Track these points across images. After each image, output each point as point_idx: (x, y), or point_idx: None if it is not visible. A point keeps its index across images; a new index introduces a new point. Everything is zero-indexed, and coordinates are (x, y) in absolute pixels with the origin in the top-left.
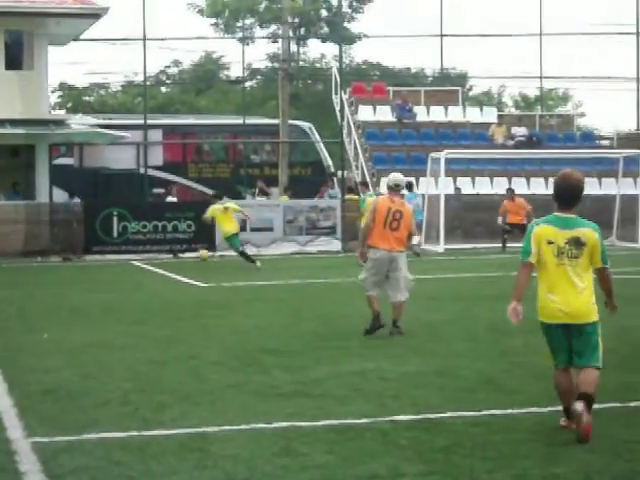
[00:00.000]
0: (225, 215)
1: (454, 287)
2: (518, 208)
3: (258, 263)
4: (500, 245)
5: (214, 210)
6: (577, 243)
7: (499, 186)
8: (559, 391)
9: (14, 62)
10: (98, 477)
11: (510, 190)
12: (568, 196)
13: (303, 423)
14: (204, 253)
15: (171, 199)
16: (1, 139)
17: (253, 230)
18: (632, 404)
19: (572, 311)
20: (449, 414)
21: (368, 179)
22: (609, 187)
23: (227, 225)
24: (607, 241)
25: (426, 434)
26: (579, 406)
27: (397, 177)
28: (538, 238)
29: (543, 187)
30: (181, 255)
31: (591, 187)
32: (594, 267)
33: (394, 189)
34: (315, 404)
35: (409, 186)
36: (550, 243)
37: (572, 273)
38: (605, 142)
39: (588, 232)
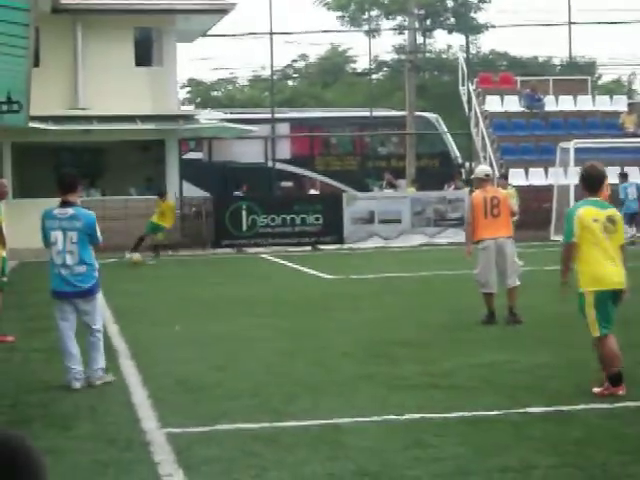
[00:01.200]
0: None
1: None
2: None
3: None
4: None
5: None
6: (612, 221)
7: (632, 175)
8: (609, 357)
9: (144, 59)
10: (231, 467)
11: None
12: (597, 183)
13: (434, 415)
14: (137, 257)
15: (313, 192)
16: (132, 135)
17: (381, 222)
18: None
19: (620, 278)
20: (582, 406)
21: (496, 170)
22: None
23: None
24: None
25: (558, 426)
26: None
27: (484, 168)
28: (582, 219)
29: None
30: (320, 247)
31: None
32: (618, 244)
33: (484, 179)
34: (446, 396)
35: (624, 176)
36: (595, 221)
37: (612, 246)
38: None
39: (616, 212)
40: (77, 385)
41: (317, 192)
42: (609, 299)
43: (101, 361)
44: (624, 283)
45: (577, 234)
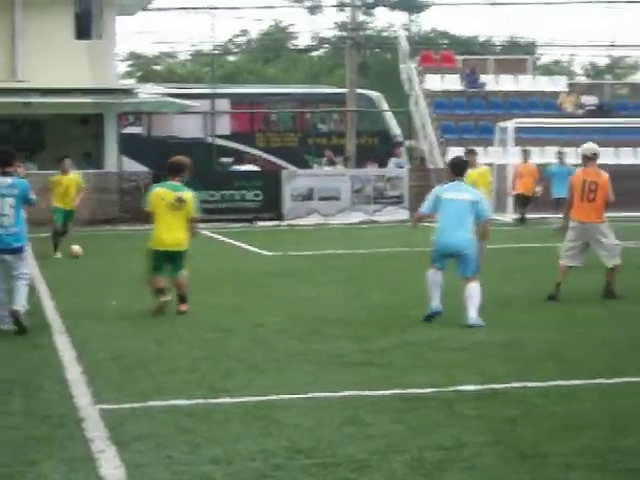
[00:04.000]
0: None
1: (524, 259)
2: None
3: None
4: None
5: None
6: None
7: (568, 156)
8: None
9: (83, 31)
10: (164, 444)
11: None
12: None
13: (369, 392)
14: (75, 249)
15: (249, 168)
16: (71, 108)
17: (320, 199)
18: None
19: None
20: (515, 385)
21: (436, 149)
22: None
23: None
24: None
25: (492, 405)
26: None
27: (592, 146)
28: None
29: (612, 156)
30: (257, 223)
31: None
32: None
33: (591, 158)
34: (381, 373)
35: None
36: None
37: None
38: None
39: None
40: (4, 327)
41: (254, 168)
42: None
43: (23, 301)
44: None
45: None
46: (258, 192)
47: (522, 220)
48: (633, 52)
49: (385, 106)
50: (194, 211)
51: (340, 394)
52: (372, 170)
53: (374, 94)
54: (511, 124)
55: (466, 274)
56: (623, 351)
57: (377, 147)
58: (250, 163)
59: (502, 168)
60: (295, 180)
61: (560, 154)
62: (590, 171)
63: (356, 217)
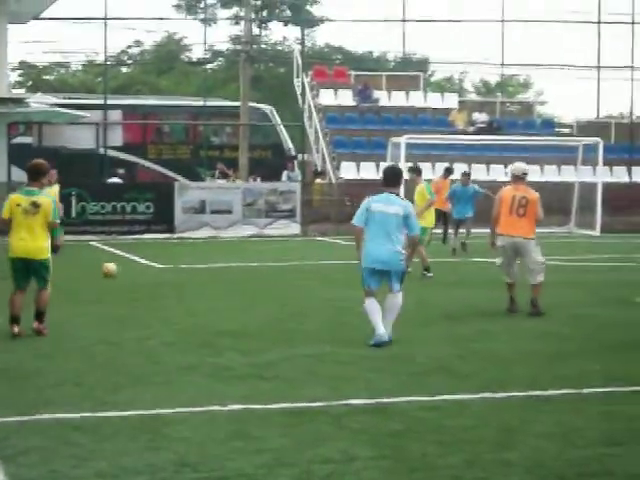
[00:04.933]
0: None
1: (411, 273)
2: None
3: None
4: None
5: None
6: None
7: (459, 172)
8: None
9: None
10: (49, 457)
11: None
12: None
13: (257, 406)
14: (111, 267)
15: (115, 180)
16: None
17: (212, 212)
18: (585, 391)
19: None
20: (403, 399)
21: (328, 163)
22: (568, 175)
23: None
24: (565, 228)
25: (379, 418)
26: None
27: (522, 166)
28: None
29: (502, 173)
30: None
31: (550, 174)
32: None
33: (520, 177)
34: (269, 387)
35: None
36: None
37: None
38: (565, 130)
39: None
40: None
41: (118, 181)
42: None
43: None
44: None
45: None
46: (149, 204)
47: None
48: (523, 71)
49: (278, 120)
50: (51, 216)
51: (228, 408)
52: (265, 184)
53: (267, 108)
54: (403, 140)
55: (393, 289)
56: (511, 365)
57: (270, 160)
58: (115, 176)
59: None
60: (187, 192)
61: (465, 175)
62: (521, 187)
63: (248, 230)
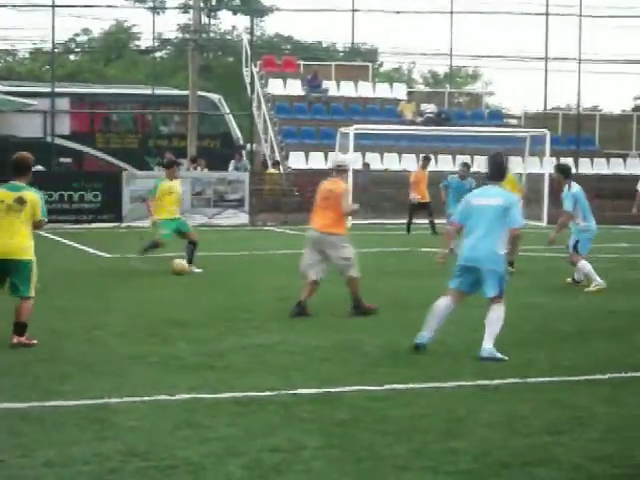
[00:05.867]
0: None
1: (360, 262)
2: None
3: None
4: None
5: None
6: None
7: (407, 162)
8: None
9: None
10: None
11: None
12: None
13: (206, 395)
14: (181, 265)
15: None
16: None
17: None
18: (530, 380)
19: None
20: (352, 388)
21: (277, 153)
22: (516, 166)
23: None
24: None
25: (328, 408)
26: None
27: (340, 158)
28: None
29: (451, 164)
30: (87, 226)
31: None
32: None
33: (339, 171)
34: (218, 376)
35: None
36: None
37: None
38: (513, 121)
39: None
40: None
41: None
42: None
43: None
44: None
45: None
46: (97, 193)
47: (433, 226)
48: (472, 62)
49: (227, 109)
50: (40, 214)
51: (178, 397)
52: (213, 173)
53: (216, 97)
54: (351, 130)
55: (487, 293)
56: (460, 355)
57: (219, 150)
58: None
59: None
60: (135, 182)
61: (464, 166)
62: (333, 180)
63: (196, 220)
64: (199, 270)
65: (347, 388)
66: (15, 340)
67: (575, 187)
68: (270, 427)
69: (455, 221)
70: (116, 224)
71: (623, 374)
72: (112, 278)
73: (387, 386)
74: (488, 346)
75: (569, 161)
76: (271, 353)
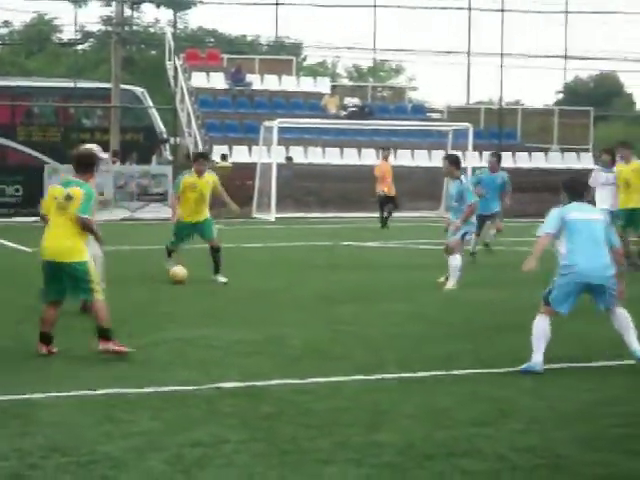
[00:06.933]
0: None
1: (285, 255)
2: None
3: None
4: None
5: None
6: None
7: (331, 156)
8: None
9: None
10: None
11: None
12: None
13: (127, 390)
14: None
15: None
16: None
17: None
18: (455, 372)
19: None
20: (275, 382)
21: (200, 146)
22: (439, 160)
23: None
24: (434, 213)
25: (251, 401)
26: None
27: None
28: None
29: (374, 158)
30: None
31: (421, 159)
32: None
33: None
34: (140, 371)
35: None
36: None
37: None
38: (436, 115)
39: None
40: None
41: None
42: None
43: None
44: None
45: None
46: (18, 187)
47: (386, 220)
48: (395, 56)
49: (150, 102)
50: (79, 210)
51: (98, 392)
52: (136, 167)
53: (139, 90)
54: (275, 124)
55: (609, 305)
56: (384, 348)
57: (142, 143)
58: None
59: (267, 166)
60: (58, 175)
61: (494, 156)
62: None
63: (119, 214)
64: (224, 280)
65: (271, 382)
66: (101, 347)
67: (466, 178)
68: (192, 421)
69: (548, 231)
70: (37, 218)
71: (545, 366)
72: (34, 273)
73: (311, 379)
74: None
75: None
76: (193, 347)
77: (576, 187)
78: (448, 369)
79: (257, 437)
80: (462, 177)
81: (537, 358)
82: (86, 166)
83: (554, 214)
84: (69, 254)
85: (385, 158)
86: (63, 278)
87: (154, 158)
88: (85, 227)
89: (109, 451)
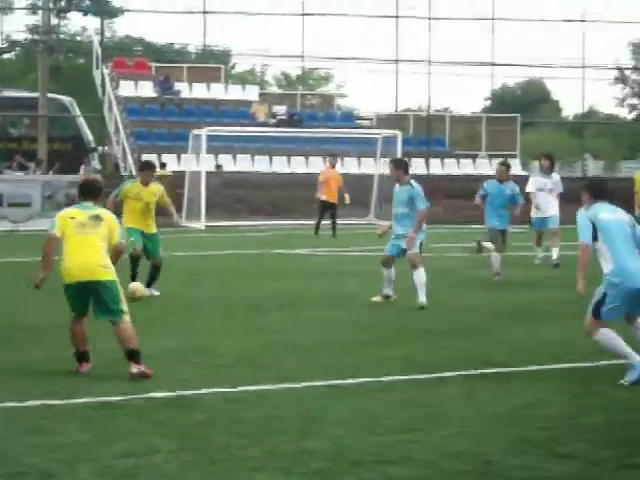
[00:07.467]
0: None
1: (215, 264)
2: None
3: None
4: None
5: None
6: None
7: (260, 164)
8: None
9: None
10: None
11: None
12: None
13: (56, 401)
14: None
15: None
16: None
17: (10, 205)
18: (384, 379)
19: None
20: (205, 390)
21: (129, 155)
22: (368, 167)
23: None
24: (365, 220)
25: (181, 411)
26: None
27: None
28: None
29: (304, 166)
30: None
31: (350, 167)
32: None
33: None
34: (69, 382)
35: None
36: None
37: None
38: (365, 122)
39: None
40: None
41: None
42: None
43: None
44: None
45: None
46: None
47: (317, 228)
48: (324, 64)
49: (78, 111)
50: (117, 236)
51: (26, 403)
52: (65, 176)
53: (66, 99)
54: (204, 132)
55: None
56: (312, 355)
57: (70, 152)
58: None
59: (196, 175)
60: None
61: (503, 166)
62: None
63: (47, 224)
64: (157, 293)
65: (201, 391)
66: (135, 370)
67: (416, 182)
68: (123, 432)
69: (586, 241)
70: None
71: (473, 371)
72: None
73: (241, 388)
74: None
75: (420, 162)
76: (121, 358)
77: (602, 187)
78: (378, 375)
79: (188, 446)
80: (412, 182)
81: (636, 359)
82: (95, 192)
83: (583, 221)
84: (103, 272)
85: (332, 165)
86: (91, 298)
87: (82, 168)
88: (120, 253)
89: (37, 463)
